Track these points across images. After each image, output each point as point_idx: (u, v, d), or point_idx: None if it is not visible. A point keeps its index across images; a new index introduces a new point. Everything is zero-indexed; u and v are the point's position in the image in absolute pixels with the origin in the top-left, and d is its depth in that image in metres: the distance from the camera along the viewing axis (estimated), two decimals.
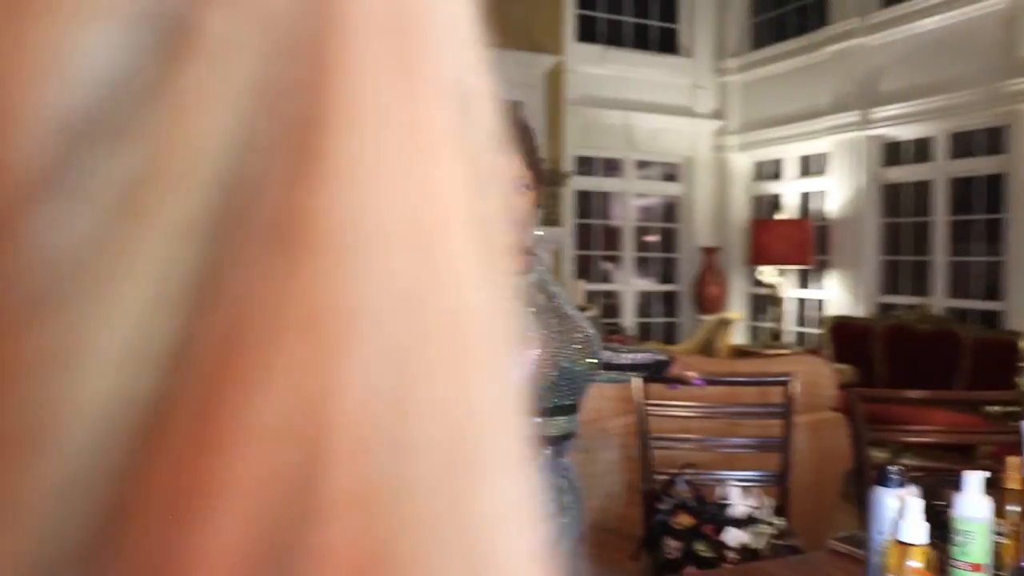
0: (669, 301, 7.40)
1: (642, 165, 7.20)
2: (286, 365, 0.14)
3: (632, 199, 7.17)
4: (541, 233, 2.20)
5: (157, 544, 0.14)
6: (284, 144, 0.15)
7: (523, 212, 2.06)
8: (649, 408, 2.61)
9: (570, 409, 2.08)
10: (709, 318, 6.29)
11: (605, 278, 7.18)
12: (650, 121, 6.93)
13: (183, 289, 0.14)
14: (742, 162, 7.23)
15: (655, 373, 2.41)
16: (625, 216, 7.13)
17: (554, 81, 6.22)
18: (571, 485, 2.14)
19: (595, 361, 2.11)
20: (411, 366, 0.16)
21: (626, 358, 2.36)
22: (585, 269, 6.97)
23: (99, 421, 0.14)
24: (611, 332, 6.00)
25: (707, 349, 5.74)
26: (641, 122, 6.90)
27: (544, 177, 2.16)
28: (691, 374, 2.40)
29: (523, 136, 2.10)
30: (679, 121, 7.09)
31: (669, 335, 7.28)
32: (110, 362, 0.14)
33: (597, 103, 6.72)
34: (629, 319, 7.11)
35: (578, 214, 6.88)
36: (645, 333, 7.14)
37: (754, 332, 7.08)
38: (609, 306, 7.10)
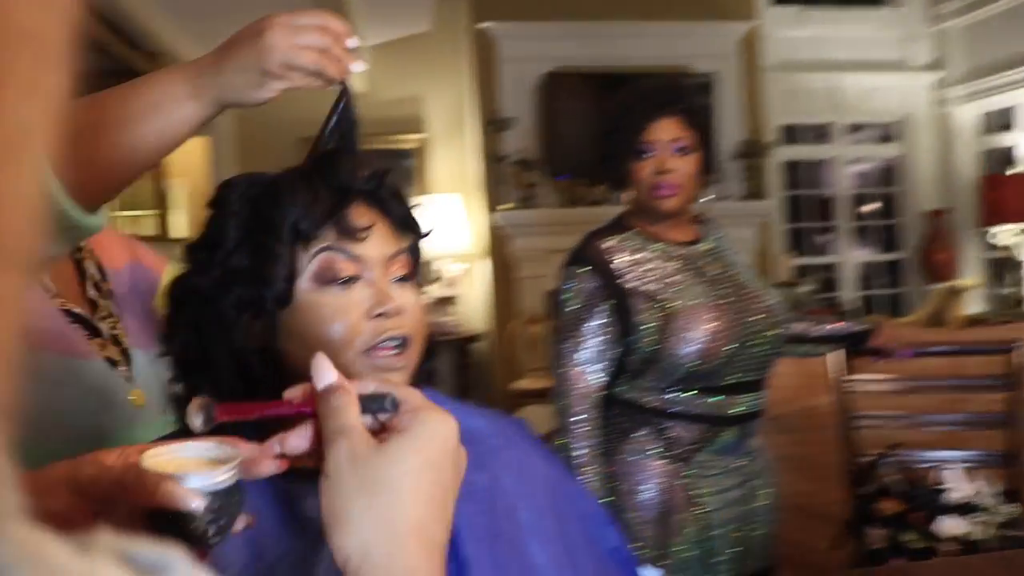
0: (893, 271, 6.86)
1: (853, 129, 6.72)
2: None
3: (845, 166, 6.70)
4: (712, 197, 2.04)
5: None
6: None
7: (687, 176, 1.92)
8: (851, 384, 2.39)
9: (754, 386, 1.92)
10: (938, 287, 5.77)
11: (821, 251, 6.76)
12: (858, 81, 6.45)
13: None
14: (967, 114, 6.56)
15: (856, 345, 2.20)
16: (838, 184, 6.68)
17: (749, 49, 5.91)
18: (761, 468, 1.98)
19: (779, 333, 1.93)
20: None
21: (822, 330, 2.16)
22: (798, 243, 6.60)
23: None
24: (829, 307, 5.64)
25: (937, 320, 5.26)
26: (848, 83, 6.43)
27: (712, 138, 2.01)
28: (897, 345, 2.16)
29: (684, 95, 1.96)
30: (891, 78, 6.54)
31: (895, 307, 6.75)
32: None
33: (799, 67, 6.33)
34: (849, 292, 6.65)
35: (786, 186, 6.52)
36: (867, 306, 6.66)
37: (992, 300, 6.42)
38: (827, 280, 6.68)
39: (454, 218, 5.47)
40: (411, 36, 5.74)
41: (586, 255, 1.92)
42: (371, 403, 0.63)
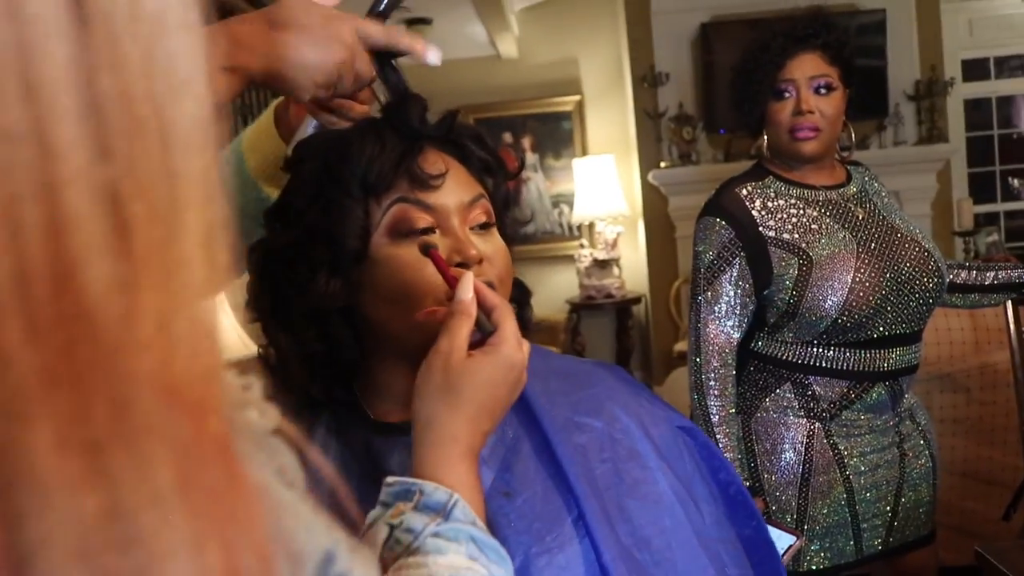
0: None
1: None
2: None
3: None
4: (852, 141, 1.91)
5: None
6: None
7: (829, 116, 1.79)
8: None
9: (907, 339, 1.78)
10: None
11: (1014, 196, 6.21)
12: None
13: None
14: None
15: None
16: None
17: None
18: (917, 429, 1.84)
19: (938, 282, 1.78)
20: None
21: (991, 277, 1.97)
22: (985, 188, 6.09)
23: None
24: (1020, 257, 5.19)
25: None
26: None
27: (856, 73, 1.86)
28: None
29: (824, 27, 1.83)
30: None
31: None
32: None
33: None
34: None
35: (970, 126, 6.02)
36: None
37: None
38: (1018, 228, 6.15)
39: (609, 179, 5.38)
40: None
41: (721, 204, 1.84)
42: (479, 323, 0.77)
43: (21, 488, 0.21)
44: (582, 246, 5.71)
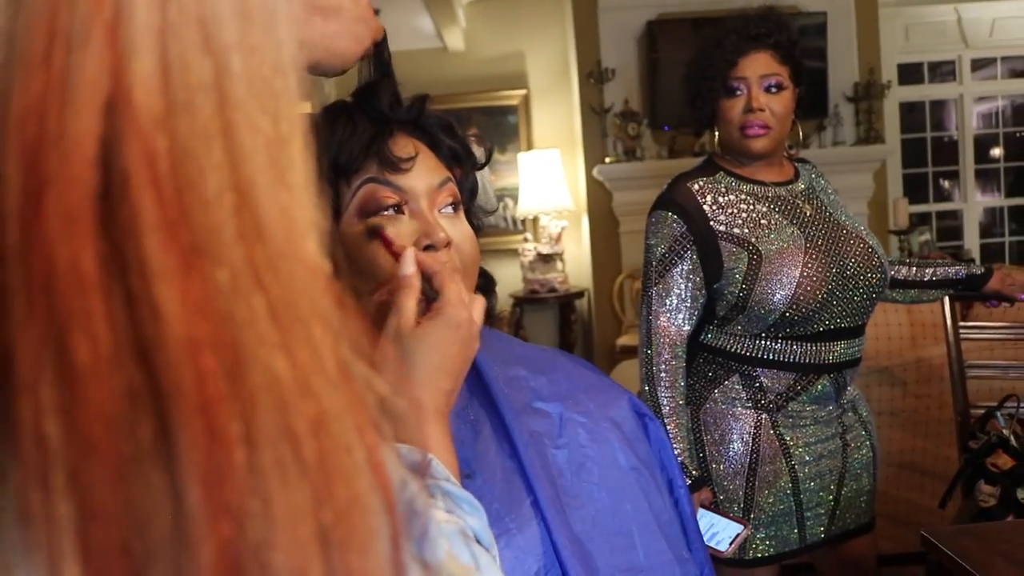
0: (1021, 218, 6.44)
1: (980, 65, 6.29)
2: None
3: (969, 105, 6.29)
4: (800, 138, 1.94)
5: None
6: None
7: (779, 115, 1.83)
8: (963, 331, 2.24)
9: (851, 333, 1.82)
10: None
11: (944, 197, 6.40)
12: (988, 10, 6.03)
13: None
14: None
15: (968, 289, 2.06)
16: (962, 125, 6.29)
17: None
18: (858, 420, 1.89)
19: (880, 277, 1.82)
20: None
21: (930, 273, 2.03)
22: (918, 188, 6.26)
23: None
24: (950, 255, 5.34)
25: None
26: (976, 13, 6.02)
27: (804, 73, 1.90)
28: (1016, 289, 2.02)
29: (775, 27, 1.86)
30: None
31: (1023, 256, 6.35)
32: None
33: (920, 0, 5.96)
34: (972, 240, 6.29)
35: (905, 128, 6.18)
36: (991, 255, 6.29)
37: None
38: (948, 228, 6.34)
39: (554, 174, 5.40)
40: None
41: (673, 198, 1.85)
42: (424, 292, 0.80)
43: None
44: (526, 240, 5.72)
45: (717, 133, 1.91)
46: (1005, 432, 1.86)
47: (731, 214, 1.82)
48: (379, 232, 0.84)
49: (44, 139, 0.25)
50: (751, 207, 1.83)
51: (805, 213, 1.85)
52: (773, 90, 1.83)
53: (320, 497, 0.27)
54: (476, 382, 0.94)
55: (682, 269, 1.80)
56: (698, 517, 1.72)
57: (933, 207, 6.34)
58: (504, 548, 0.81)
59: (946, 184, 6.43)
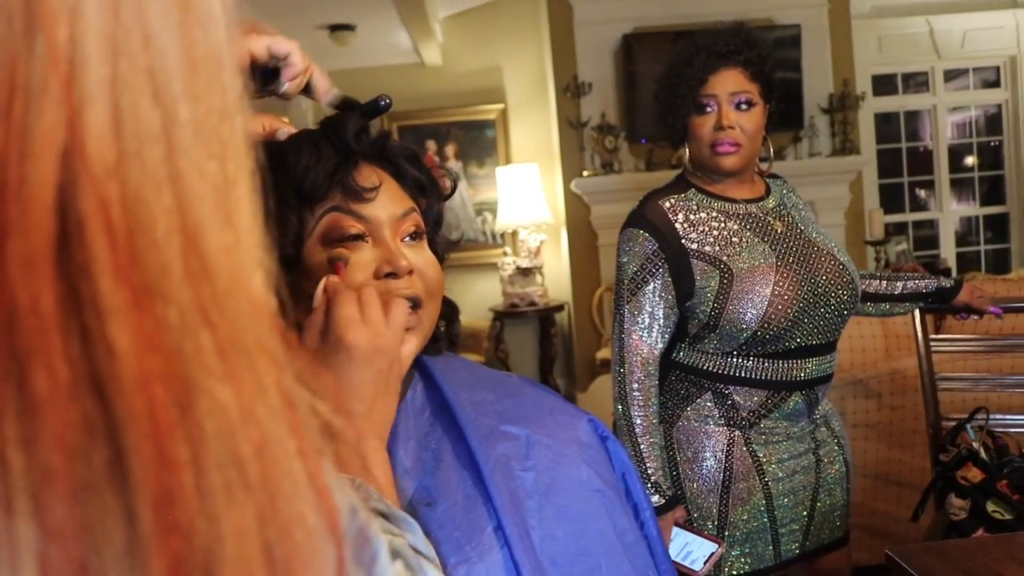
0: (996, 226, 6.50)
1: (953, 75, 6.36)
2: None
3: (943, 115, 6.35)
4: (771, 155, 1.96)
5: None
6: None
7: (749, 132, 1.83)
8: (934, 344, 2.26)
9: (822, 349, 1.83)
10: None
11: (920, 206, 6.45)
12: (960, 22, 6.10)
13: None
14: None
15: (938, 302, 2.07)
16: (936, 135, 6.35)
17: None
18: (831, 435, 1.89)
19: (852, 293, 1.83)
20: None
21: (901, 287, 2.04)
22: (894, 198, 6.31)
23: None
24: (925, 265, 5.39)
25: None
26: (948, 25, 6.09)
27: (776, 89, 1.91)
28: (986, 301, 2.04)
29: (746, 44, 1.87)
30: (999, 16, 6.14)
31: (999, 264, 6.41)
32: None
33: (893, 12, 6.03)
34: (948, 250, 6.34)
35: (880, 139, 6.23)
36: (967, 263, 6.34)
37: None
38: (924, 237, 6.39)
39: (532, 187, 5.42)
40: (486, 4, 5.69)
41: (644, 216, 1.85)
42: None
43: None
44: (505, 254, 5.73)
45: (688, 150, 1.91)
46: (975, 445, 1.88)
47: (702, 232, 1.82)
48: (338, 266, 0.84)
49: (6, 188, 0.27)
50: (722, 225, 1.83)
51: (776, 230, 1.85)
52: (743, 107, 1.83)
53: (264, 516, 0.29)
54: (440, 408, 0.94)
55: (654, 287, 1.81)
56: (672, 536, 1.72)
57: (909, 217, 6.39)
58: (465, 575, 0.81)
59: (922, 194, 6.49)
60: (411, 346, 0.81)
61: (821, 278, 1.81)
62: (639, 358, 1.81)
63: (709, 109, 1.84)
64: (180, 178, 0.30)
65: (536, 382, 1.08)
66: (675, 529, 1.72)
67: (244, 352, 0.30)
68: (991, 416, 1.93)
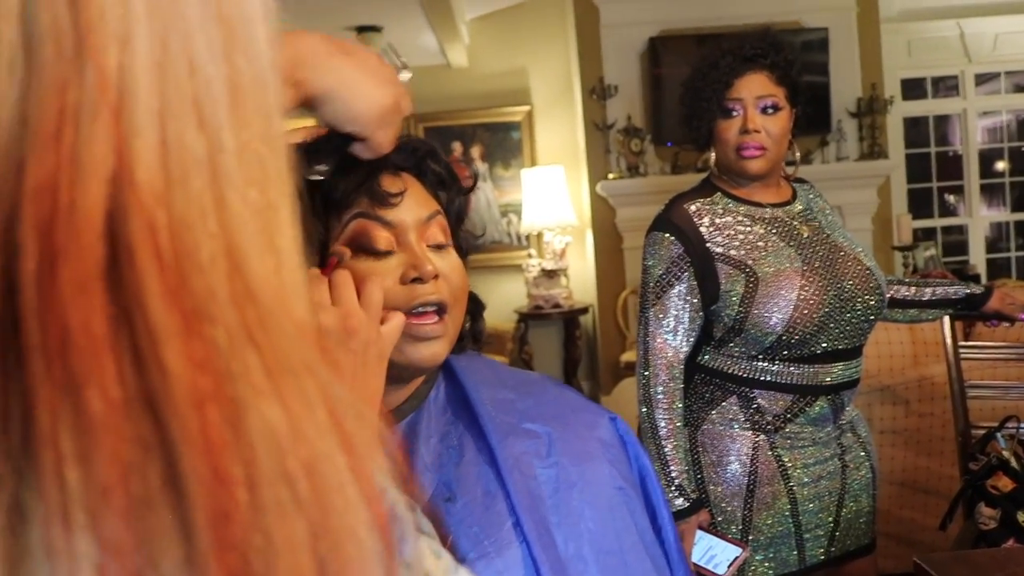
0: None
1: (984, 79, 6.29)
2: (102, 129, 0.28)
3: (973, 119, 6.29)
4: (797, 159, 1.95)
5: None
6: None
7: (775, 136, 1.82)
8: (963, 351, 2.23)
9: (849, 354, 1.81)
10: None
11: (949, 212, 6.39)
12: (991, 25, 6.03)
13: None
14: None
15: (968, 309, 2.05)
16: (967, 139, 6.28)
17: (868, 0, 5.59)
18: (857, 440, 1.87)
19: (879, 299, 1.82)
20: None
21: (930, 293, 2.02)
22: (923, 203, 6.25)
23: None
24: (954, 272, 5.33)
25: None
26: (979, 28, 6.02)
27: (802, 93, 1.90)
28: (1017, 308, 2.01)
29: (772, 48, 1.86)
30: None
31: None
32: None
33: (923, 15, 5.97)
34: (977, 255, 6.27)
35: (908, 143, 6.18)
36: (997, 270, 6.27)
37: None
38: (953, 243, 6.32)
39: (558, 190, 5.41)
40: (513, 6, 5.70)
41: (670, 219, 1.85)
42: None
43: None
44: (530, 256, 5.73)
45: (714, 153, 1.91)
46: (1005, 454, 1.86)
47: (728, 236, 1.81)
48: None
49: (57, 213, 0.28)
50: (748, 229, 1.83)
51: (802, 235, 1.84)
52: (769, 111, 1.83)
53: (316, 531, 0.30)
54: (462, 405, 0.95)
55: (679, 291, 1.80)
56: (696, 540, 1.71)
57: (938, 222, 6.33)
58: (483, 570, 0.82)
59: (951, 199, 6.42)
60: (395, 323, 0.79)
61: (847, 283, 1.79)
62: (664, 361, 1.80)
63: (735, 113, 1.84)
64: (224, 203, 0.31)
65: (558, 381, 1.08)
66: (699, 533, 1.71)
67: (290, 371, 0.31)
68: (1022, 425, 1.90)
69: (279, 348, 0.31)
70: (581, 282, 5.72)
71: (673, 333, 1.81)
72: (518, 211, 5.73)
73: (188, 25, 0.31)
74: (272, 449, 0.29)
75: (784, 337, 1.74)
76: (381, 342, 0.78)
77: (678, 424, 1.79)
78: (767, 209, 1.86)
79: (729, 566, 1.68)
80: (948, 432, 2.57)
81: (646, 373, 1.81)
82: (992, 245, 6.41)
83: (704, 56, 1.92)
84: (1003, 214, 6.42)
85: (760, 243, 1.80)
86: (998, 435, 1.92)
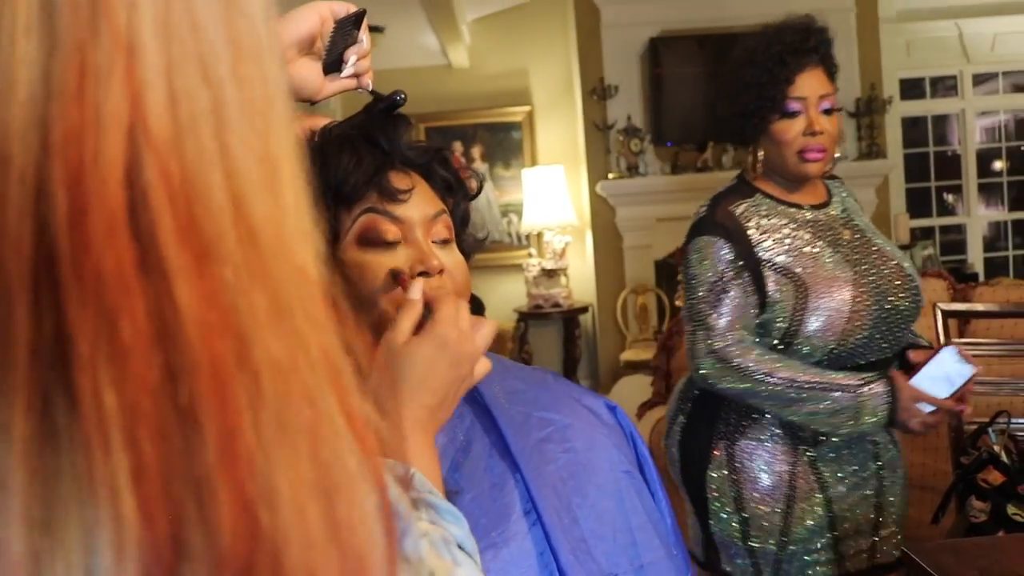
0: None
1: (982, 79, 6.32)
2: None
3: (972, 119, 6.32)
4: (839, 155, 1.86)
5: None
6: None
7: (834, 138, 1.76)
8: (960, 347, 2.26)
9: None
10: None
11: (947, 211, 6.42)
12: (990, 25, 6.06)
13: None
14: None
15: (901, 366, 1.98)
16: (965, 139, 6.31)
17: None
18: (891, 439, 1.83)
19: (917, 305, 1.76)
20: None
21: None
22: (921, 202, 6.28)
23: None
24: (952, 271, 5.36)
25: None
26: (978, 28, 6.05)
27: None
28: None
29: (825, 43, 1.79)
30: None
31: None
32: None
33: (921, 16, 6.00)
34: (975, 255, 6.30)
35: (907, 143, 6.21)
36: (995, 269, 6.30)
37: None
38: (951, 242, 6.35)
39: (558, 189, 5.44)
40: (514, 7, 5.72)
41: (717, 222, 1.73)
42: (423, 315, 0.83)
43: None
44: (530, 255, 5.76)
45: (760, 152, 1.79)
46: (996, 448, 1.88)
47: (776, 240, 1.71)
48: (402, 279, 0.89)
49: (83, 164, 0.30)
50: (795, 233, 1.73)
51: (844, 238, 1.76)
52: (830, 112, 1.74)
53: (310, 453, 0.33)
54: (467, 399, 0.97)
55: (735, 295, 1.69)
56: (916, 382, 1.63)
57: (936, 221, 6.36)
58: (490, 561, 0.85)
59: (949, 198, 6.45)
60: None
61: (892, 288, 1.71)
62: (737, 350, 1.67)
63: (798, 113, 1.72)
64: (229, 152, 0.33)
65: (556, 373, 1.12)
66: (915, 378, 1.63)
67: (287, 311, 0.34)
68: (1013, 420, 1.93)
69: (280, 290, 0.34)
70: (581, 282, 5.75)
71: (739, 339, 1.68)
72: (518, 211, 5.76)
73: None
74: (273, 377, 0.32)
75: (834, 350, 1.65)
76: (472, 381, 0.83)
77: (789, 361, 1.67)
78: (807, 211, 1.77)
79: (966, 383, 1.63)
80: (942, 429, 2.60)
81: (729, 376, 1.68)
82: (990, 244, 6.44)
83: (752, 48, 1.77)
84: (1001, 213, 6.45)
85: (806, 248, 1.70)
86: (989, 430, 1.94)
